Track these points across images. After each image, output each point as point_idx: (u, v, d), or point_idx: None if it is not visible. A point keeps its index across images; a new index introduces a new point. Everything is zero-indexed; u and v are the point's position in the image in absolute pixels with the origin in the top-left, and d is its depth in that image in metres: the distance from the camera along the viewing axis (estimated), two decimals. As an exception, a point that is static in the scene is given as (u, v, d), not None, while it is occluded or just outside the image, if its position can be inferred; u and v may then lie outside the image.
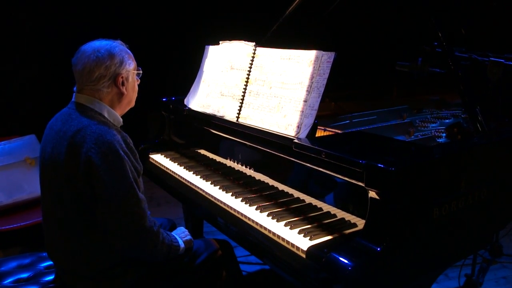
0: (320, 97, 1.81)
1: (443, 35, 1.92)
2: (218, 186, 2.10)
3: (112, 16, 4.65)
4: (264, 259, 1.72)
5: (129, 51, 1.77)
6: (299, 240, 1.57)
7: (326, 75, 1.81)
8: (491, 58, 2.20)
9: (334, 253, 1.40)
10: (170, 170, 2.43)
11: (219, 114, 2.25)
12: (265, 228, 1.70)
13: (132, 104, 1.83)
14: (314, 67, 1.86)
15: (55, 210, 1.68)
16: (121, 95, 1.73)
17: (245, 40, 2.26)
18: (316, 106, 1.80)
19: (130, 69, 1.75)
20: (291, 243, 1.57)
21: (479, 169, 1.77)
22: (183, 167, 2.41)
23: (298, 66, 1.93)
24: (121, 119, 1.77)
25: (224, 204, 1.95)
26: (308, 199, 1.82)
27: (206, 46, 2.51)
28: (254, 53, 2.17)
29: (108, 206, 1.56)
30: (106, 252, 1.65)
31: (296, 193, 1.88)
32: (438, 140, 2.16)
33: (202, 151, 2.49)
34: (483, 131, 1.84)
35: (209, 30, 3.54)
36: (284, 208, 1.83)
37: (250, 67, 2.16)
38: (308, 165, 1.73)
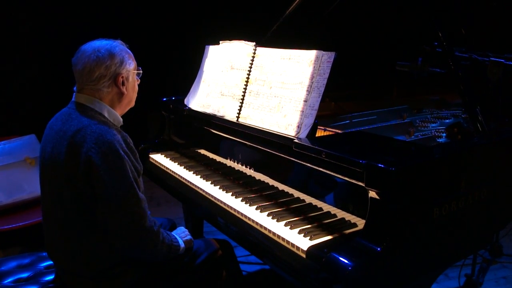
0: (320, 97, 1.81)
1: (443, 35, 1.92)
2: (218, 186, 2.10)
3: (112, 16, 4.65)
4: (264, 259, 1.72)
5: (129, 51, 1.77)
6: (299, 240, 1.57)
7: (326, 75, 1.81)
8: (491, 58, 2.20)
9: (334, 253, 1.40)
10: (170, 170, 2.43)
11: (219, 114, 2.25)
12: (265, 228, 1.70)
13: (132, 104, 1.83)
14: (314, 67, 1.86)
15: (55, 210, 1.68)
16: (121, 95, 1.73)
17: (245, 40, 2.26)
18: (316, 106, 1.80)
19: (130, 69, 1.75)
20: (291, 243, 1.57)
21: (479, 169, 1.77)
22: (183, 167, 2.41)
23: (298, 66, 1.93)
24: (121, 119, 1.77)
25: (224, 204, 1.95)
26: (308, 199, 1.82)
27: (206, 46, 2.51)
28: (254, 53, 2.17)
29: (108, 206, 1.56)
30: (106, 252, 1.65)
31: (296, 193, 1.88)
32: (438, 140, 2.16)
33: (202, 151, 2.49)
34: (483, 131, 1.85)
35: (209, 30, 3.54)
36: (284, 208, 1.83)
37: (250, 67, 2.16)
38: (308, 165, 1.73)
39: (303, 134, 1.80)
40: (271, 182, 2.01)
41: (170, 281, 1.82)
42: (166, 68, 5.05)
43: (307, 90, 1.86)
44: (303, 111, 1.84)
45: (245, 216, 1.82)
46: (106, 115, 1.69)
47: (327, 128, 2.12)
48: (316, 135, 1.89)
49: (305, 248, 1.51)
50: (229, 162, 2.26)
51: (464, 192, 1.66)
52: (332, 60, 1.81)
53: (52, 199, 1.68)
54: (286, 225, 1.68)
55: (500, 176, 1.87)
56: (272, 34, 2.52)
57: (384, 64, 2.79)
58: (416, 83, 2.87)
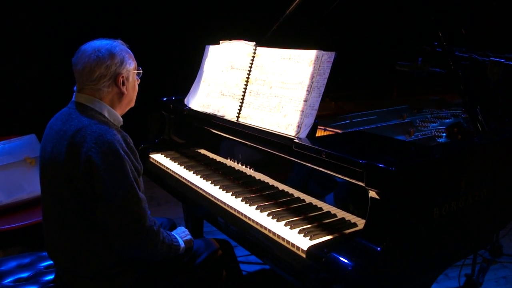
0: (321, 97, 1.81)
1: (443, 35, 1.92)
2: (218, 186, 2.10)
3: (112, 16, 4.65)
4: (264, 258, 1.72)
5: (129, 50, 1.77)
6: (299, 239, 1.57)
7: (327, 75, 1.81)
8: (491, 58, 2.20)
9: (334, 253, 1.40)
10: (170, 170, 2.43)
11: (219, 113, 2.25)
12: (265, 228, 1.70)
13: (132, 103, 1.83)
14: (314, 66, 1.86)
15: (55, 210, 1.68)
16: (121, 94, 1.73)
17: (245, 40, 2.26)
18: (316, 106, 1.80)
19: (131, 69, 1.75)
20: (291, 243, 1.57)
21: (479, 169, 1.77)
22: (183, 166, 2.41)
23: (299, 65, 1.93)
24: (121, 119, 1.77)
25: (224, 203, 1.95)
26: (308, 199, 1.82)
27: (206, 46, 2.51)
28: (254, 53, 2.17)
29: (108, 205, 1.56)
30: (106, 251, 1.65)
31: (296, 193, 1.88)
32: (438, 140, 2.16)
33: (202, 151, 2.49)
34: (483, 131, 1.85)
35: (209, 30, 3.54)
36: (284, 208, 1.83)
37: (250, 67, 2.16)
38: (308, 165, 1.73)
39: (303, 134, 1.80)
40: (271, 182, 2.01)
41: (170, 281, 1.82)
42: (166, 68, 5.05)
43: (307, 90, 1.86)
44: (303, 111, 1.84)
45: (245, 216, 1.82)
46: (106, 115, 1.69)
47: (327, 128, 2.13)
48: (316, 135, 1.89)
49: (305, 248, 1.51)
50: (229, 162, 2.26)
51: (464, 192, 1.66)
52: (332, 60, 1.81)
53: (52, 199, 1.68)
54: (286, 225, 1.68)
55: (500, 176, 1.87)
56: (272, 34, 2.52)
57: (384, 64, 2.79)
58: (416, 83, 2.87)
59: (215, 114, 2.27)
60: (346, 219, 1.66)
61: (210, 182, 2.16)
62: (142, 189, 1.68)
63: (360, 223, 1.60)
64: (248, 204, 1.88)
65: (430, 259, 1.62)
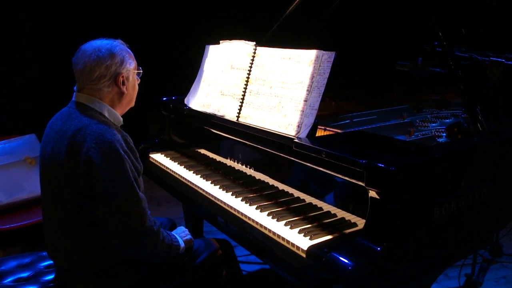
0: (321, 97, 1.81)
1: (443, 35, 1.92)
2: (218, 186, 2.10)
3: (112, 16, 4.65)
4: (264, 258, 1.72)
5: (129, 50, 1.77)
6: (299, 239, 1.57)
7: (327, 75, 1.81)
8: (491, 58, 2.20)
9: (334, 252, 1.40)
10: (170, 170, 2.43)
11: (219, 113, 2.25)
12: (265, 228, 1.70)
13: (133, 103, 1.83)
14: (314, 66, 1.86)
15: (55, 210, 1.68)
16: (121, 94, 1.73)
17: (245, 40, 2.26)
18: (317, 106, 1.80)
19: (131, 69, 1.75)
20: (291, 243, 1.57)
21: (479, 169, 1.77)
22: (183, 166, 2.41)
23: (299, 65, 1.93)
24: (121, 119, 1.77)
25: (224, 203, 1.95)
26: (308, 199, 1.82)
27: (206, 46, 2.51)
28: (254, 53, 2.17)
29: (108, 205, 1.56)
30: (106, 251, 1.65)
31: (296, 193, 1.88)
32: (438, 139, 2.16)
33: (202, 151, 2.49)
34: (483, 131, 1.84)
35: (209, 30, 3.55)
36: (284, 208, 1.83)
37: (251, 67, 2.16)
38: (309, 164, 1.73)
39: (303, 134, 1.80)
40: (271, 181, 2.01)
41: (170, 281, 1.82)
42: (166, 68, 5.05)
43: (307, 90, 1.86)
44: (303, 111, 1.84)
45: (245, 216, 1.82)
46: (106, 114, 1.69)
47: (327, 128, 2.13)
48: (316, 135, 1.89)
49: (305, 248, 1.51)
50: (229, 162, 2.26)
51: (464, 192, 1.66)
52: (332, 59, 1.81)
53: (52, 199, 1.68)
54: (286, 224, 1.68)
55: (500, 175, 1.88)
56: (272, 33, 2.52)
57: (384, 63, 2.79)
58: (416, 83, 2.87)
59: (215, 114, 2.27)
60: (346, 219, 1.66)
61: (210, 182, 2.16)
62: (142, 189, 1.68)
63: (360, 223, 1.60)
64: (248, 204, 1.88)
65: (430, 259, 1.62)
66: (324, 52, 1.85)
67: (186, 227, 2.07)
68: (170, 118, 2.75)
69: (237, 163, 2.20)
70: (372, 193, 1.46)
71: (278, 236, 1.63)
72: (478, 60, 2.26)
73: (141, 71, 1.83)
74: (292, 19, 2.48)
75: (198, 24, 4.93)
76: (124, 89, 1.73)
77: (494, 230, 2.20)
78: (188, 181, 2.25)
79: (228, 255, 1.99)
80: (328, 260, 1.39)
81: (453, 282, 2.80)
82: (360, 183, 1.49)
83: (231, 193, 2.00)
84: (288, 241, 1.58)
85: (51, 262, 1.94)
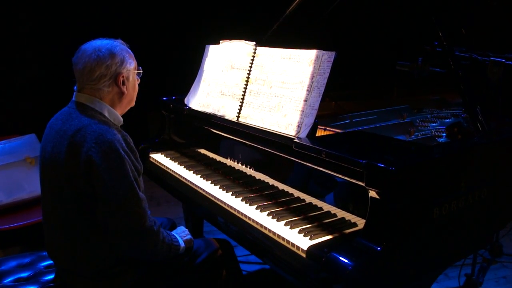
0: (321, 97, 1.81)
1: (443, 35, 1.92)
2: (218, 186, 2.10)
3: (112, 16, 4.65)
4: (264, 258, 1.72)
5: (129, 50, 1.77)
6: (299, 239, 1.57)
7: (327, 75, 1.81)
8: (491, 58, 2.20)
9: (334, 252, 1.40)
10: (170, 170, 2.43)
11: (219, 113, 2.25)
12: (265, 228, 1.70)
13: (133, 103, 1.83)
14: (314, 66, 1.86)
15: (55, 210, 1.68)
16: (121, 94, 1.73)
17: (245, 40, 2.26)
18: (317, 106, 1.80)
19: (131, 69, 1.75)
20: (291, 243, 1.57)
21: (479, 169, 1.77)
22: (183, 166, 2.41)
23: (299, 65, 1.93)
24: (121, 119, 1.77)
25: (224, 203, 1.95)
26: (308, 199, 1.82)
27: (206, 46, 2.51)
28: (254, 53, 2.17)
29: (109, 205, 1.56)
30: (106, 251, 1.65)
31: (296, 193, 1.88)
32: (438, 139, 2.16)
33: (202, 151, 2.49)
34: (483, 131, 1.85)
35: (209, 30, 3.54)
36: (284, 208, 1.83)
37: (251, 67, 2.16)
38: (309, 164, 1.73)
39: (303, 134, 1.80)
40: (271, 181, 2.01)
41: (170, 281, 1.82)
42: (166, 68, 5.05)
43: (307, 90, 1.86)
44: (303, 111, 1.84)
45: (245, 216, 1.82)
46: (106, 114, 1.69)
47: (327, 128, 2.13)
48: (317, 135, 1.89)
49: (305, 248, 1.51)
50: (229, 162, 2.26)
51: (464, 191, 1.66)
52: (332, 59, 1.81)
53: (52, 199, 1.68)
54: (286, 224, 1.68)
55: (500, 175, 1.87)
56: (272, 33, 2.52)
57: (384, 63, 2.79)
58: (416, 83, 2.87)
59: (215, 114, 2.27)
60: (346, 219, 1.66)
61: (210, 181, 2.17)
62: (142, 189, 1.68)
63: (360, 223, 1.60)
64: (248, 204, 1.88)
65: (430, 259, 1.62)
66: (324, 52, 1.85)
67: (186, 227, 2.07)
68: (170, 118, 2.75)
69: (237, 163, 2.20)
70: (372, 193, 1.46)
71: (278, 236, 1.63)
72: (478, 60, 2.26)
73: (141, 71, 1.83)
74: (292, 19, 2.48)
75: (198, 24, 4.93)
76: (124, 89, 1.73)
77: (494, 230, 2.20)
78: (188, 181, 2.25)
79: (228, 255, 1.99)
80: (328, 260, 1.39)
81: (453, 282, 2.80)
82: (360, 183, 1.49)
83: (231, 193, 2.00)
84: (288, 241, 1.58)
85: (51, 262, 1.94)
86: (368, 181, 1.46)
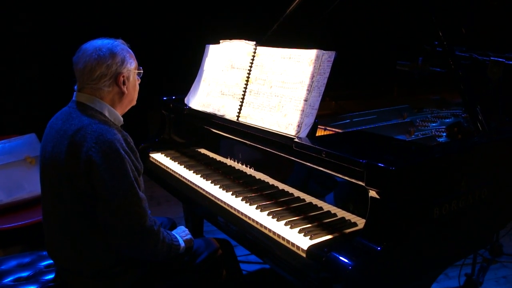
0: (321, 96, 1.80)
1: (443, 35, 1.92)
2: (219, 185, 2.10)
3: (112, 16, 4.65)
4: (264, 258, 1.72)
5: (130, 50, 1.77)
6: (299, 239, 1.57)
7: (327, 74, 1.81)
8: (491, 58, 2.21)
9: (335, 252, 1.40)
10: (170, 169, 2.43)
11: (219, 113, 2.25)
12: (265, 227, 1.70)
13: (134, 102, 1.83)
14: (314, 66, 1.86)
15: (56, 209, 1.68)
16: (122, 94, 1.73)
17: (245, 39, 2.26)
18: (317, 105, 1.80)
19: (131, 68, 1.75)
20: (291, 242, 1.57)
21: (480, 169, 1.77)
22: (183, 166, 2.41)
23: (299, 65, 1.93)
24: (121, 118, 1.77)
25: (224, 203, 1.95)
26: (309, 198, 1.82)
27: (206, 45, 2.51)
28: (254, 52, 2.17)
29: (109, 205, 1.56)
30: (107, 251, 1.65)
31: (297, 192, 1.88)
32: (438, 139, 2.16)
33: (202, 150, 2.49)
34: (483, 131, 1.84)
35: (209, 30, 3.54)
36: (284, 207, 1.83)
37: (251, 66, 2.16)
38: (309, 164, 1.73)
39: (303, 134, 1.80)
40: (271, 181, 2.01)
41: (170, 280, 1.82)
42: (166, 68, 5.06)
43: (308, 90, 1.86)
44: (303, 111, 1.84)
45: (245, 216, 1.82)
46: (106, 114, 1.69)
47: (328, 128, 2.13)
48: (317, 135, 1.89)
49: (305, 248, 1.51)
50: (229, 161, 2.26)
51: (464, 191, 1.66)
52: (332, 59, 1.81)
53: (53, 198, 1.68)
54: (286, 224, 1.68)
55: (501, 175, 1.87)
56: (272, 33, 2.52)
57: (384, 63, 2.79)
58: (416, 83, 2.87)
59: (215, 114, 2.27)
60: (346, 218, 1.66)
61: (210, 181, 2.17)
62: (142, 189, 1.68)
63: (360, 222, 1.60)
64: (248, 204, 1.88)
65: (430, 258, 1.62)
66: (324, 51, 1.85)
67: (186, 227, 2.08)
68: (170, 118, 2.75)
69: (237, 162, 2.20)
70: (372, 193, 1.46)
71: (278, 235, 1.63)
72: (478, 60, 2.26)
73: (142, 71, 1.83)
74: (292, 18, 2.48)
75: (198, 24, 4.93)
76: (124, 89, 1.72)
77: (494, 229, 2.20)
78: (188, 180, 2.25)
79: (228, 254, 1.99)
80: (328, 260, 1.39)
81: (453, 282, 2.80)
82: (360, 182, 1.49)
83: (231, 192, 2.00)
84: (288, 241, 1.58)
85: (51, 261, 1.94)
86: (368, 181, 1.46)
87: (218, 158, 2.36)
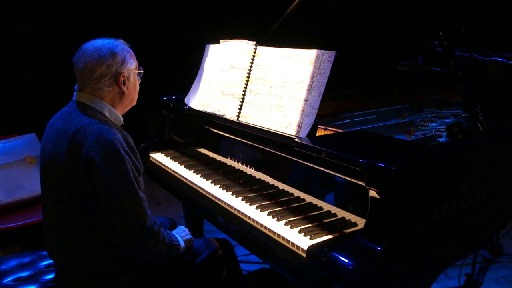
0: (321, 96, 1.80)
1: (443, 34, 1.92)
2: (219, 185, 2.10)
3: (112, 16, 4.65)
4: (264, 258, 1.73)
5: (130, 50, 1.77)
6: (299, 239, 1.57)
7: (327, 74, 1.81)
8: (491, 58, 2.21)
9: (335, 252, 1.40)
10: (171, 169, 2.43)
11: (219, 113, 2.25)
12: (265, 227, 1.70)
13: (134, 102, 1.83)
14: (314, 66, 1.86)
15: (56, 209, 1.68)
16: (122, 94, 1.73)
17: (245, 39, 2.26)
18: (317, 105, 1.80)
19: (132, 68, 1.75)
20: (292, 242, 1.57)
21: (480, 169, 1.77)
22: (183, 166, 2.41)
23: (299, 65, 1.93)
24: (121, 118, 1.77)
25: (225, 203, 1.95)
26: (309, 198, 1.82)
27: (206, 45, 2.51)
28: (254, 52, 2.17)
29: (109, 205, 1.56)
30: (107, 251, 1.65)
31: (297, 192, 1.88)
32: (438, 139, 2.16)
33: (203, 150, 2.49)
34: (483, 131, 1.85)
35: (210, 29, 3.54)
36: (284, 207, 1.83)
37: (251, 66, 2.16)
38: (309, 164, 1.73)
39: (303, 133, 1.80)
40: (271, 181, 2.01)
41: (170, 280, 1.82)
42: (166, 68, 5.06)
43: (308, 89, 1.86)
44: (303, 110, 1.84)
45: (245, 215, 1.82)
46: (106, 114, 1.69)
47: (328, 127, 2.13)
48: (317, 134, 1.89)
49: (305, 248, 1.51)
50: (229, 161, 2.26)
51: (465, 191, 1.66)
52: (332, 59, 1.81)
53: (53, 198, 1.68)
54: (286, 224, 1.68)
55: (501, 175, 1.87)
56: (272, 33, 2.52)
57: (384, 63, 2.79)
58: (416, 83, 2.87)
59: (215, 114, 2.27)
60: (346, 218, 1.66)
61: (210, 181, 2.16)
62: (142, 189, 1.68)
63: (361, 222, 1.60)
64: (248, 204, 1.88)
65: (430, 258, 1.62)
66: (324, 51, 1.85)
67: (186, 227, 2.07)
68: (170, 118, 2.75)
69: (237, 162, 2.20)
70: (372, 193, 1.46)
71: (278, 235, 1.63)
72: (478, 60, 2.26)
73: (142, 71, 1.83)
74: (292, 18, 2.48)
75: (198, 24, 4.93)
76: (124, 88, 1.72)
77: (494, 229, 2.20)
78: (188, 180, 2.25)
79: (228, 254, 1.99)
80: (328, 260, 1.39)
81: (453, 281, 2.80)
82: (360, 182, 1.49)
83: (231, 192, 2.00)
84: (288, 241, 1.58)
85: (51, 261, 1.94)
86: (368, 181, 1.46)
87: (218, 158, 2.36)
